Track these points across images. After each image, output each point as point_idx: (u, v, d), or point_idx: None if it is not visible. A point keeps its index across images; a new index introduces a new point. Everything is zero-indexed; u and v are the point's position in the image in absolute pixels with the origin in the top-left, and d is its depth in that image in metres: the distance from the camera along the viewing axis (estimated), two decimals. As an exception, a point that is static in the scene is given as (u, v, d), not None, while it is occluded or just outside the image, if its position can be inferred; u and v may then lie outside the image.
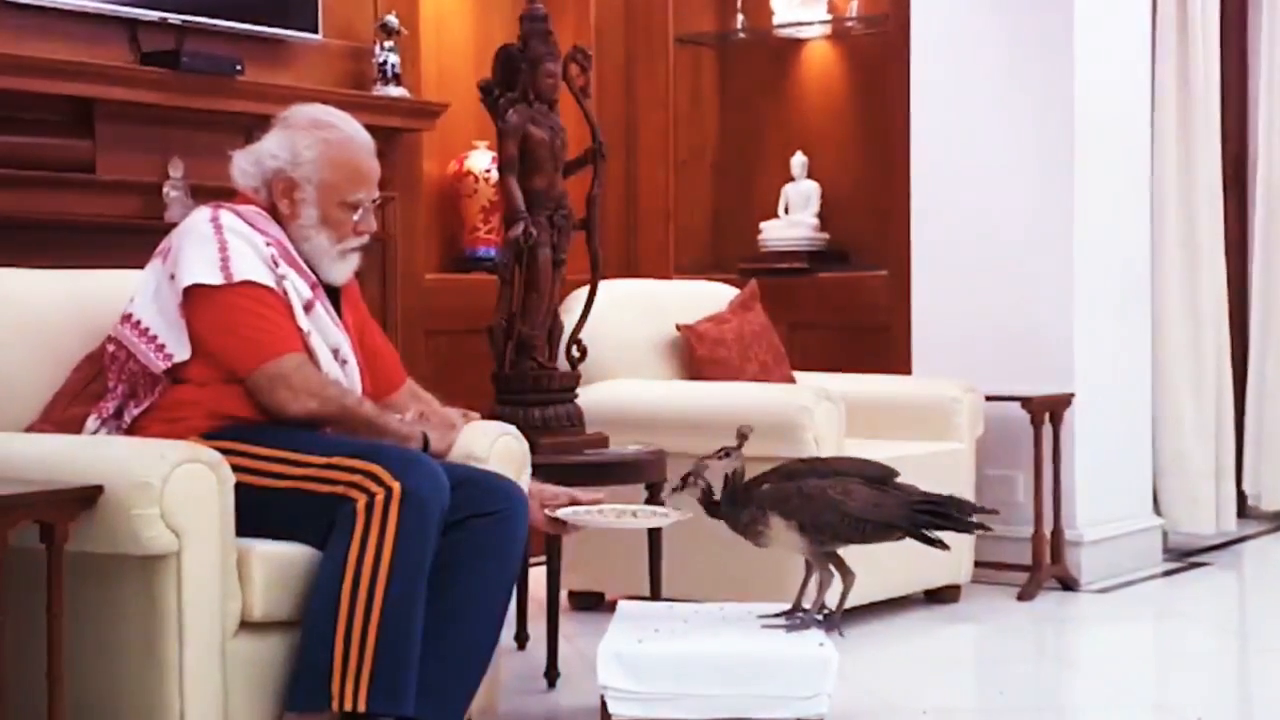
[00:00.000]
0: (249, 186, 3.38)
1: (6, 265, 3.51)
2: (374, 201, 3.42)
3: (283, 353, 3.21)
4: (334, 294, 3.42)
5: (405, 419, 3.40)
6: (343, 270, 3.41)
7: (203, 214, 3.30)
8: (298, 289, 3.28)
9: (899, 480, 3.58)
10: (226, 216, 3.28)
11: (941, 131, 5.58)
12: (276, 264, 3.26)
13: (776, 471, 3.55)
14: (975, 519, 3.60)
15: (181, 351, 3.22)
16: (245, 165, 3.39)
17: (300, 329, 3.26)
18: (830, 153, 6.46)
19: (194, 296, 3.21)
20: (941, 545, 3.58)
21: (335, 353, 3.33)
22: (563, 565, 4.17)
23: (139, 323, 3.25)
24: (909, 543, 3.59)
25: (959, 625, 4.90)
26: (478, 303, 4.98)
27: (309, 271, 3.34)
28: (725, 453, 3.54)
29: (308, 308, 3.29)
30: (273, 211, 3.36)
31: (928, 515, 3.52)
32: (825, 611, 3.48)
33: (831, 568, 3.53)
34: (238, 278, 3.21)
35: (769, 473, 3.55)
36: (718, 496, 3.53)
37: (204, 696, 2.92)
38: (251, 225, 3.29)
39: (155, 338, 3.23)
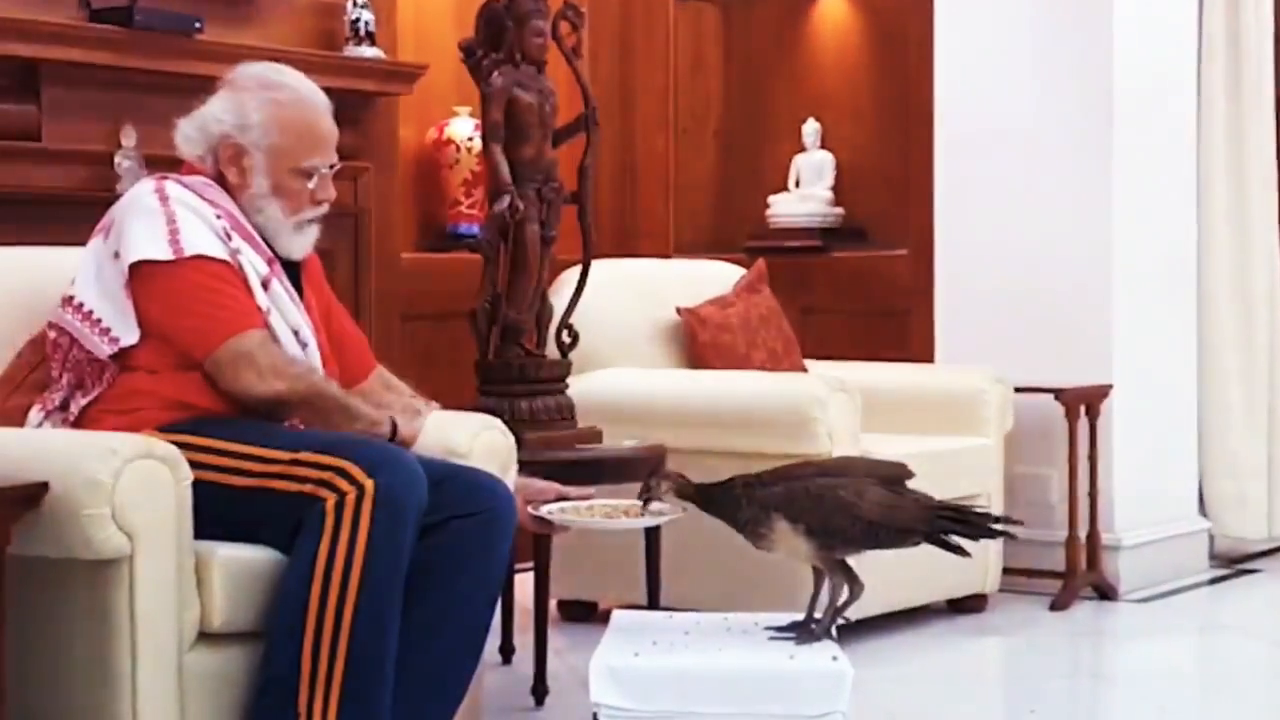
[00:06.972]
0: (194, 154, 3.38)
1: (-57, 241, 3.52)
2: (332, 167, 3.42)
3: (244, 329, 3.20)
4: (293, 271, 3.42)
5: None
6: (300, 244, 3.41)
7: (146, 186, 3.30)
8: (253, 264, 3.28)
9: (912, 485, 3.56)
10: (172, 187, 3.28)
11: (968, 96, 5.58)
12: (229, 237, 3.26)
13: (774, 473, 3.51)
14: (1000, 526, 3.59)
15: (129, 335, 3.21)
16: (189, 131, 3.39)
17: (259, 307, 3.27)
18: (846, 120, 6.46)
19: (142, 274, 3.21)
20: (962, 552, 3.58)
21: (295, 334, 3.33)
22: (552, 571, 4.18)
23: (81, 305, 3.25)
24: (930, 548, 3.59)
25: (985, 638, 4.92)
26: (459, 284, 4.98)
27: (264, 246, 3.34)
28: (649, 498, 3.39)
29: (265, 284, 3.29)
30: (221, 181, 3.36)
31: (948, 520, 3.52)
32: (814, 621, 3.45)
33: (840, 576, 3.52)
34: (189, 252, 3.20)
35: (766, 474, 3.51)
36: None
37: (159, 713, 2.92)
38: (200, 196, 3.29)
39: (99, 321, 3.22)
